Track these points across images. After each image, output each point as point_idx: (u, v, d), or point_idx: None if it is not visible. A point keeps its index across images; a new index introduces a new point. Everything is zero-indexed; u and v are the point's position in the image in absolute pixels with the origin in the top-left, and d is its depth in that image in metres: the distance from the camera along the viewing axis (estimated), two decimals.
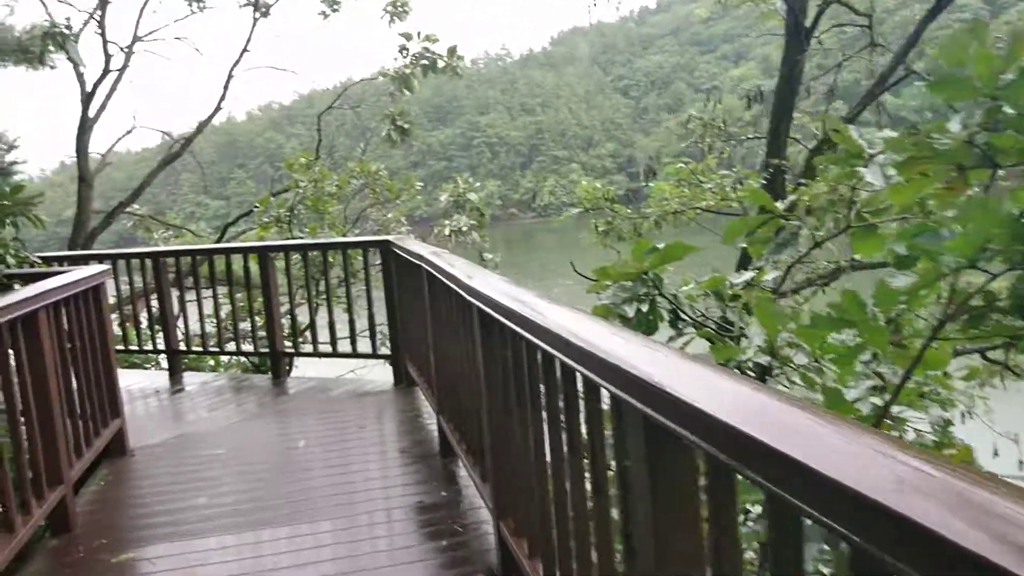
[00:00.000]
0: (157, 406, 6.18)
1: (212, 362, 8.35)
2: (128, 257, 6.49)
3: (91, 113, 8.60)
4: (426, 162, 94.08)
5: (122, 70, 9.33)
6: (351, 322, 6.58)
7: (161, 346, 6.64)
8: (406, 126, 9.92)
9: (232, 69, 10.01)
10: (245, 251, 6.42)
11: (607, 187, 9.70)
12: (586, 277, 4.03)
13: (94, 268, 4.55)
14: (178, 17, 10.69)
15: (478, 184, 10.36)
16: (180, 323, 6.96)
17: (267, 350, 6.44)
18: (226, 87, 10.09)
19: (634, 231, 8.60)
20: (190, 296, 6.89)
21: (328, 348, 6.46)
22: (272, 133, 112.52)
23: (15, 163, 9.26)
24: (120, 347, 6.37)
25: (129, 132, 10.43)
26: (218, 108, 10.46)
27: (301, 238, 8.32)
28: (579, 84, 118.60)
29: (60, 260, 5.92)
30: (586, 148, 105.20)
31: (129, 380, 6.11)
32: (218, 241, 9.61)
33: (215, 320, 7.32)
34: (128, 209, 11.80)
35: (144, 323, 7.07)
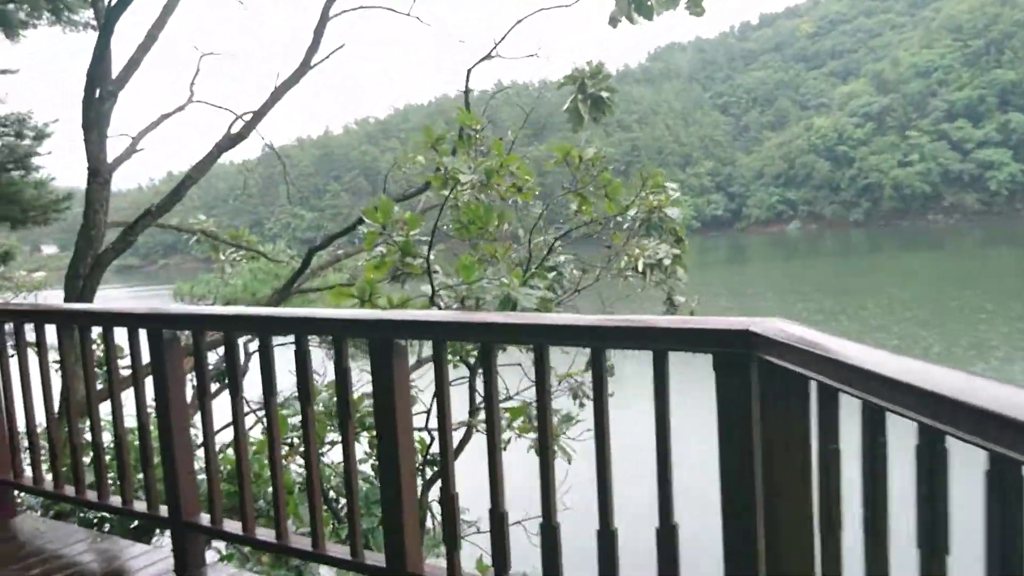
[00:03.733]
0: None
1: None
2: None
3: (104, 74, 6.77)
4: None
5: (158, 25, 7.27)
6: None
7: None
8: (605, 95, 6.02)
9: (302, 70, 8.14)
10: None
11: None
12: None
13: None
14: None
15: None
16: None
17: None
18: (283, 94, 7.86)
19: None
20: None
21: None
22: (367, 146, 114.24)
23: (34, 153, 8.07)
24: None
25: (181, 108, 8.26)
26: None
27: (447, 289, 4.41)
28: (677, 100, 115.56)
29: None
30: (683, 166, 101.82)
31: None
32: (301, 270, 7.50)
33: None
34: (192, 222, 10.43)
35: None
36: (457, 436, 4.39)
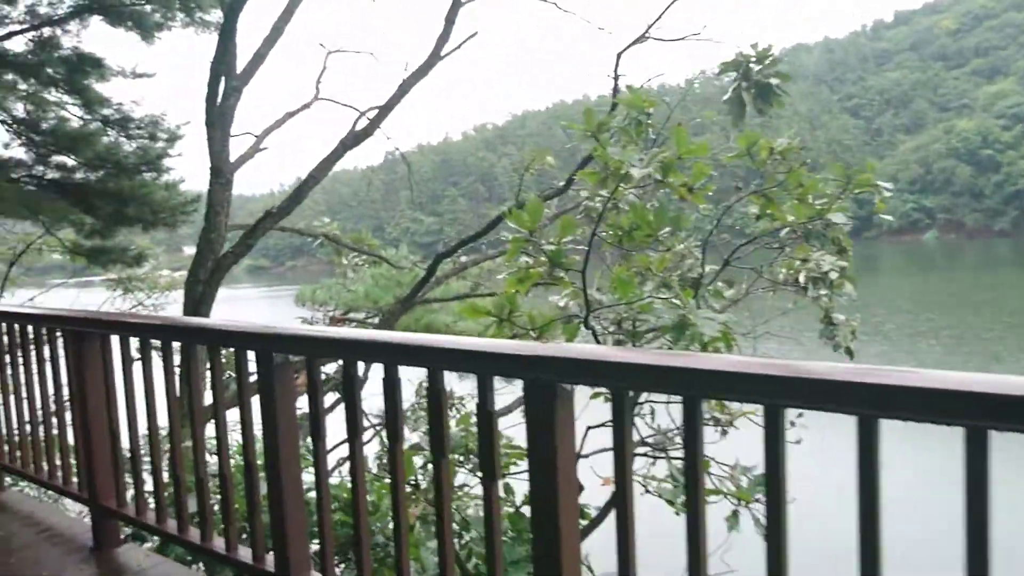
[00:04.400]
0: None
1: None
2: None
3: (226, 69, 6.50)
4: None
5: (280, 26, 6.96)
6: None
7: None
8: (774, 82, 5.07)
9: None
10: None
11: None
12: None
13: None
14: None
15: None
16: None
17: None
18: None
19: None
20: None
21: None
22: (485, 152, 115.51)
23: (166, 155, 7.99)
24: None
25: (306, 107, 7.97)
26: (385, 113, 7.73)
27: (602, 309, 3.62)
28: (802, 103, 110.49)
29: None
30: (810, 171, 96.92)
31: None
32: (426, 279, 6.99)
33: None
34: (316, 225, 10.25)
35: None
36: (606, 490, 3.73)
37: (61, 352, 3.88)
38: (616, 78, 6.42)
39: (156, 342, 3.29)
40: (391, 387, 2.36)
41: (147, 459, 3.47)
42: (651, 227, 3.05)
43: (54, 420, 4.11)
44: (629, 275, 3.24)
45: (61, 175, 9.06)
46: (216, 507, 3.46)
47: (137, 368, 3.48)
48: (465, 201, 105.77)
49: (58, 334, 3.85)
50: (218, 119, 6.65)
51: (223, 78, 6.71)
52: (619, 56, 6.26)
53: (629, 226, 3.17)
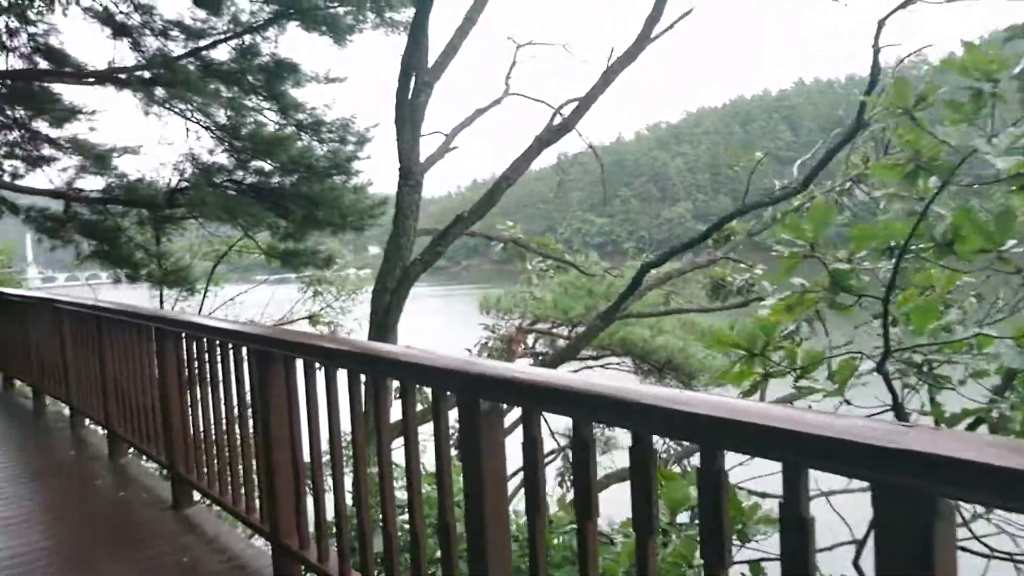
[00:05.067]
0: None
1: None
2: None
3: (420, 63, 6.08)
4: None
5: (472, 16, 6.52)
6: None
7: None
8: None
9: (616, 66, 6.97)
10: None
11: None
12: None
13: None
14: None
15: None
16: None
17: None
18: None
19: None
20: None
21: None
22: (658, 152, 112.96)
23: (355, 158, 7.82)
24: None
25: (497, 102, 7.59)
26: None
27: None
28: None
29: None
30: None
31: None
32: (631, 289, 6.28)
33: None
34: (500, 228, 9.90)
35: None
36: None
37: (246, 369, 3.61)
38: (877, 50, 5.40)
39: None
40: (581, 445, 1.72)
41: (331, 502, 3.06)
42: (991, 238, 2.15)
43: (239, 438, 3.86)
44: (932, 301, 2.38)
45: (258, 180, 9.30)
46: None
47: (320, 391, 3.09)
48: (637, 202, 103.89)
49: (244, 351, 3.57)
50: (408, 117, 6.34)
51: (414, 74, 6.40)
52: (881, 24, 5.23)
53: (945, 235, 2.29)
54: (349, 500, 3.00)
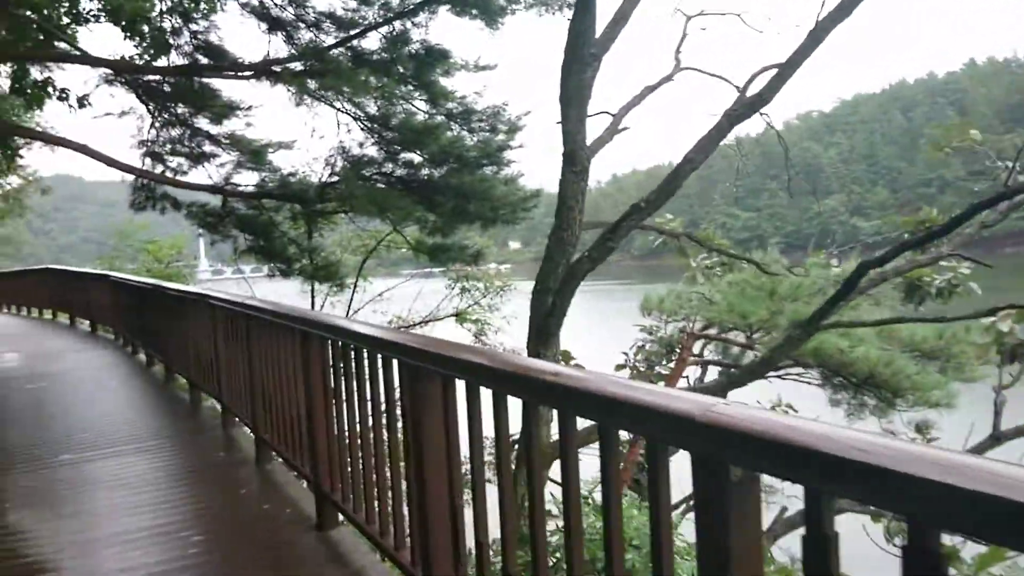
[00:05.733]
0: None
1: None
2: None
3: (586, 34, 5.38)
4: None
5: None
6: None
7: None
8: None
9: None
10: None
11: None
12: None
13: None
14: None
15: None
16: None
17: None
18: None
19: None
20: None
21: None
22: (809, 143, 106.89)
23: (507, 147, 7.27)
24: None
25: (668, 79, 6.81)
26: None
27: None
28: None
29: None
30: None
31: None
32: (844, 292, 5.31)
33: None
34: (659, 221, 9.09)
35: None
36: None
37: (396, 382, 3.10)
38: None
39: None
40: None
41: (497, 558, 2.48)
42: None
43: (387, 460, 3.38)
44: None
45: (407, 172, 9.01)
46: None
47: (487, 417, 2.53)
48: (785, 196, 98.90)
49: (394, 364, 3.06)
50: (574, 94, 5.66)
51: (581, 45, 5.72)
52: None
53: None
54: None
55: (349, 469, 3.81)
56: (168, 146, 10.24)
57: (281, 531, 4.13)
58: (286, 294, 11.99)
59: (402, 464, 3.31)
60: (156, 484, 5.10)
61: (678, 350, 8.87)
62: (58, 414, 7.47)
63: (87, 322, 14.16)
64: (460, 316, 14.75)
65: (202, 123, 10.00)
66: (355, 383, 3.50)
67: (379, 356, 3.18)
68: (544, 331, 5.57)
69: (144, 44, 9.79)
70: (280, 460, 5.20)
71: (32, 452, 6.05)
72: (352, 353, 3.55)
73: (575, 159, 5.51)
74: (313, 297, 14.05)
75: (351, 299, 14.21)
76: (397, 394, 3.12)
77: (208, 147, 10.21)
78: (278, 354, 4.72)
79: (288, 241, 10.34)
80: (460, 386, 2.70)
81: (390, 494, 3.27)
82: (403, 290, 16.17)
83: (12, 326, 16.58)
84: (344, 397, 3.73)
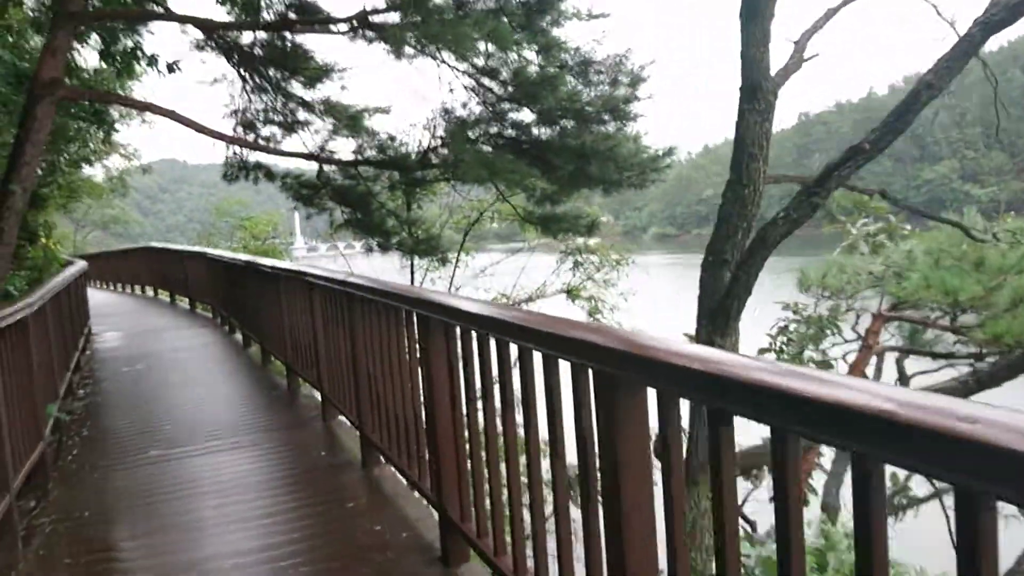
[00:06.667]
0: None
1: None
2: None
3: None
4: None
5: None
6: None
7: None
8: None
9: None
10: None
11: None
12: None
13: None
14: None
15: None
16: None
17: None
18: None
19: None
20: None
21: None
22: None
23: (633, 99, 6.20)
24: None
25: None
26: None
27: None
28: None
29: None
30: None
31: None
32: None
33: None
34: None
35: None
36: None
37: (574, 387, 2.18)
38: None
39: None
40: None
41: None
42: None
43: (547, 492, 2.49)
44: None
45: (517, 132, 8.06)
46: None
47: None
48: (890, 162, 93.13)
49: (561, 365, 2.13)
50: (756, 11, 4.50)
51: None
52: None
53: None
54: None
55: (485, 498, 2.95)
56: (261, 115, 9.63)
57: (400, 565, 3.31)
58: (385, 270, 11.33)
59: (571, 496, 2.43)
60: (252, 490, 4.41)
61: (829, 333, 7.59)
62: (151, 401, 6.97)
63: (187, 300, 14.00)
64: (572, 292, 13.76)
65: (295, 88, 9.33)
66: (501, 390, 2.61)
67: (544, 356, 2.26)
68: (721, 314, 4.47)
69: (236, 7, 9.19)
70: (390, 466, 4.42)
71: (122, 445, 5.51)
72: (493, 346, 2.66)
73: (758, 91, 4.35)
74: (413, 273, 13.37)
75: (452, 275, 13.46)
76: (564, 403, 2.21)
77: (302, 114, 9.54)
78: (389, 343, 3.89)
79: (387, 213, 9.59)
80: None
81: (556, 547, 2.37)
82: (503, 266, 15.30)
83: (116, 304, 16.67)
84: (480, 405, 2.86)
